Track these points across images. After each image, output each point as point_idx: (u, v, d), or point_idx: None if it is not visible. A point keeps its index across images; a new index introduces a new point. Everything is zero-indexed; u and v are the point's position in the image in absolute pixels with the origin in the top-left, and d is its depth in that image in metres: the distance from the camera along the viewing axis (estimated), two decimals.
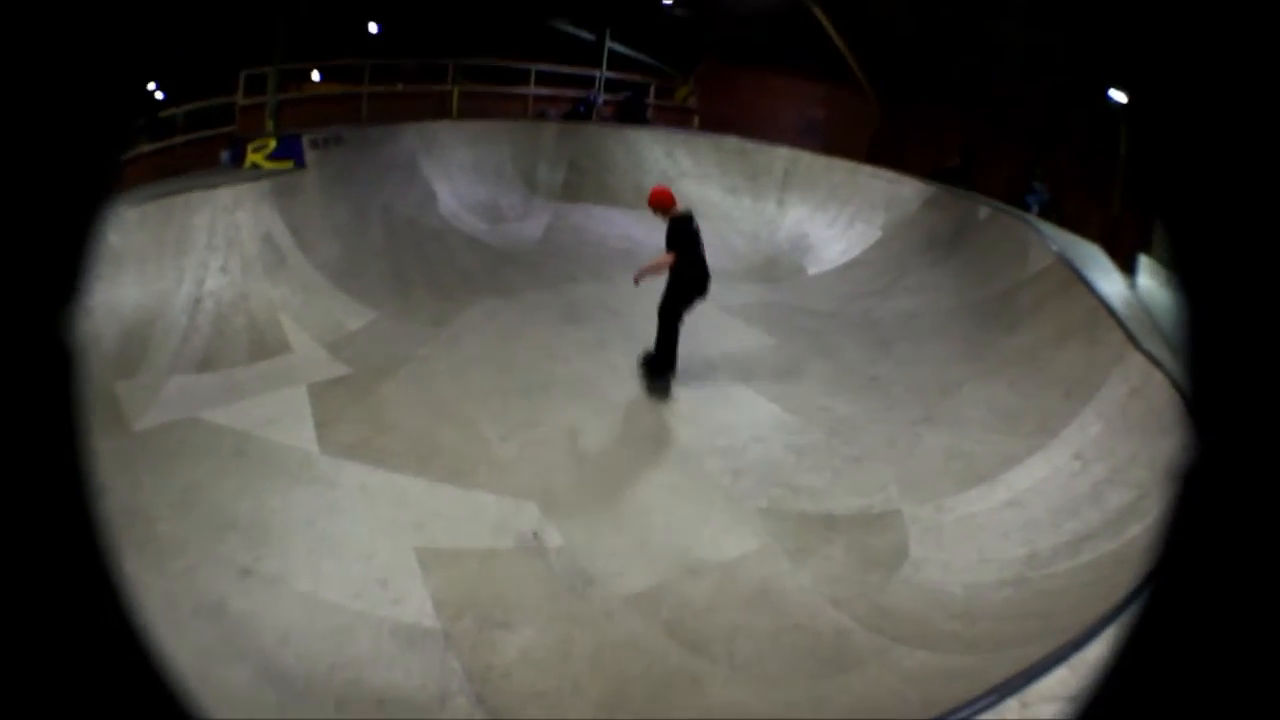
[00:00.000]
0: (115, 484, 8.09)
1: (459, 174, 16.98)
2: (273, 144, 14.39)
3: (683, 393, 10.89)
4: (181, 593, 6.85)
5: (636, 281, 10.60)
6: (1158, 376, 8.42)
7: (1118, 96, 13.75)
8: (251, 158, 14.34)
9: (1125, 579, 5.86)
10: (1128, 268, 12.41)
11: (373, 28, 21.59)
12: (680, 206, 10.66)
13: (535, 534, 7.95)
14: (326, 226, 13.77)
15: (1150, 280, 12.34)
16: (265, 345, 11.20)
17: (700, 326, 12.52)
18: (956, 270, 13.86)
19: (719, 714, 6.03)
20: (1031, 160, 16.43)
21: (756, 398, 10.80)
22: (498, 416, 9.80)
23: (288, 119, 15.60)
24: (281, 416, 9.40)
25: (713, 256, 15.43)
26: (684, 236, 10.53)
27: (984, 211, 14.54)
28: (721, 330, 12.73)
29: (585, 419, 10.02)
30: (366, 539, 7.64)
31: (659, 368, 10.81)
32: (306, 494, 8.15)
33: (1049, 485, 8.39)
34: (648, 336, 11.25)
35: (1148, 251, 13.71)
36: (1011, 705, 4.20)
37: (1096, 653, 4.46)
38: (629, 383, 11.02)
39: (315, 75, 21.03)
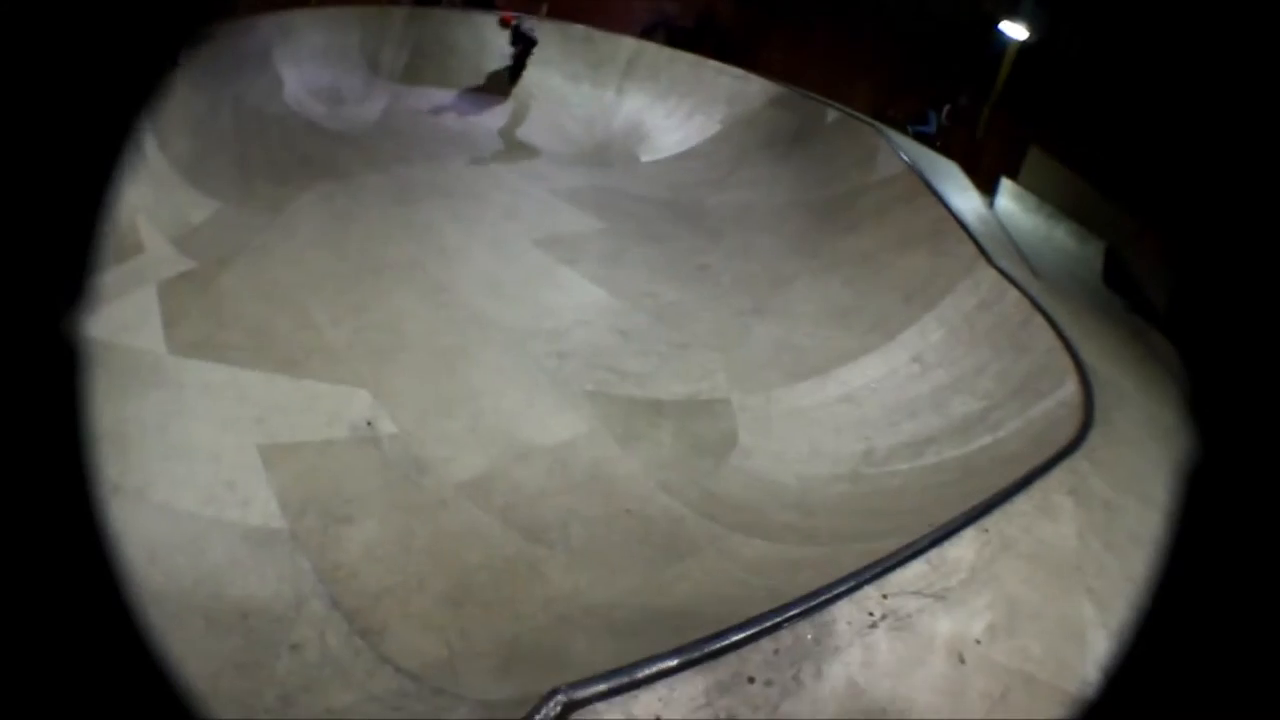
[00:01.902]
0: None
1: (308, 61, 16.36)
2: None
3: (507, 273, 10.81)
4: None
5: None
6: (1012, 294, 8.55)
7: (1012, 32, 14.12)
8: None
9: (976, 487, 5.91)
10: (988, 188, 12.61)
11: None
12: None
13: (369, 422, 7.86)
14: (183, 121, 12.92)
15: (1011, 203, 12.57)
16: (123, 248, 10.44)
17: (526, 208, 12.61)
18: (797, 169, 13.83)
19: (563, 601, 6.03)
20: (928, 93, 16.79)
21: (582, 280, 10.73)
22: (330, 303, 9.55)
23: None
24: (134, 320, 8.86)
25: (545, 140, 15.97)
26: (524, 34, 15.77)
27: (832, 115, 14.54)
28: (549, 212, 12.63)
29: (413, 303, 9.81)
30: (213, 439, 7.40)
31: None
32: (158, 398, 7.73)
33: (885, 385, 8.49)
34: (477, 218, 12.01)
35: (1012, 175, 14.03)
36: (870, 594, 4.13)
37: (956, 553, 4.49)
38: (456, 264, 10.90)
39: None
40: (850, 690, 3.73)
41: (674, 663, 3.48)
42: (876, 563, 4.35)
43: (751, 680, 3.58)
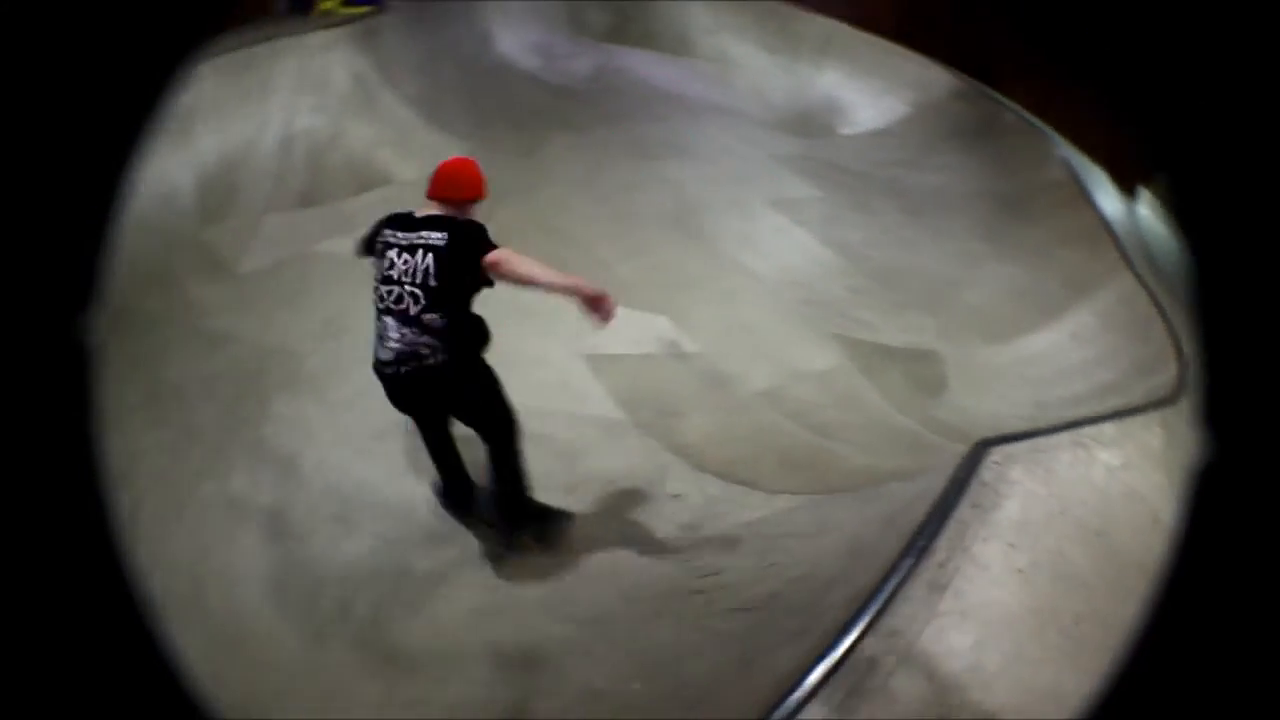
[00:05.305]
0: (240, 327, 8.36)
1: (515, 15, 16.81)
2: None
3: (754, 231, 11.63)
4: (354, 424, 7.24)
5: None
6: (1143, 295, 9.92)
7: None
8: (325, 4, 13.86)
9: None
10: (1129, 191, 13.55)
11: None
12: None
13: (673, 342, 8.75)
14: (407, 65, 13.67)
15: (1149, 212, 13.50)
16: (368, 178, 11.16)
17: (753, 172, 13.23)
18: (980, 161, 14.35)
19: (863, 473, 7.15)
20: None
21: (814, 241, 11.80)
22: (610, 243, 10.26)
23: None
24: None
25: (751, 106, 16.38)
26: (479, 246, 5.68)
27: (1009, 116, 15.20)
28: (773, 178, 13.34)
29: (682, 251, 10.79)
30: (537, 349, 7.93)
31: (527, 508, 6.32)
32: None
33: (1049, 354, 9.89)
34: (714, 178, 12.37)
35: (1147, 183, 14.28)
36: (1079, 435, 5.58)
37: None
38: (709, 220, 11.62)
39: None
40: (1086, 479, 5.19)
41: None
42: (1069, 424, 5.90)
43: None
